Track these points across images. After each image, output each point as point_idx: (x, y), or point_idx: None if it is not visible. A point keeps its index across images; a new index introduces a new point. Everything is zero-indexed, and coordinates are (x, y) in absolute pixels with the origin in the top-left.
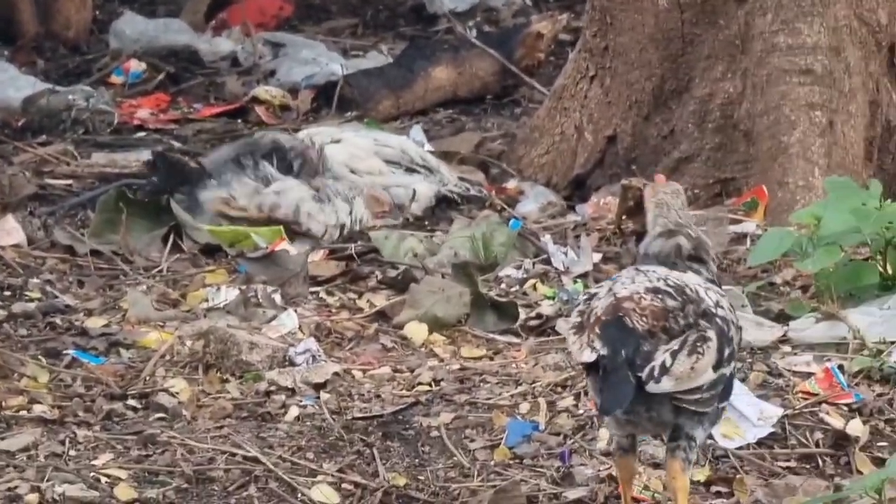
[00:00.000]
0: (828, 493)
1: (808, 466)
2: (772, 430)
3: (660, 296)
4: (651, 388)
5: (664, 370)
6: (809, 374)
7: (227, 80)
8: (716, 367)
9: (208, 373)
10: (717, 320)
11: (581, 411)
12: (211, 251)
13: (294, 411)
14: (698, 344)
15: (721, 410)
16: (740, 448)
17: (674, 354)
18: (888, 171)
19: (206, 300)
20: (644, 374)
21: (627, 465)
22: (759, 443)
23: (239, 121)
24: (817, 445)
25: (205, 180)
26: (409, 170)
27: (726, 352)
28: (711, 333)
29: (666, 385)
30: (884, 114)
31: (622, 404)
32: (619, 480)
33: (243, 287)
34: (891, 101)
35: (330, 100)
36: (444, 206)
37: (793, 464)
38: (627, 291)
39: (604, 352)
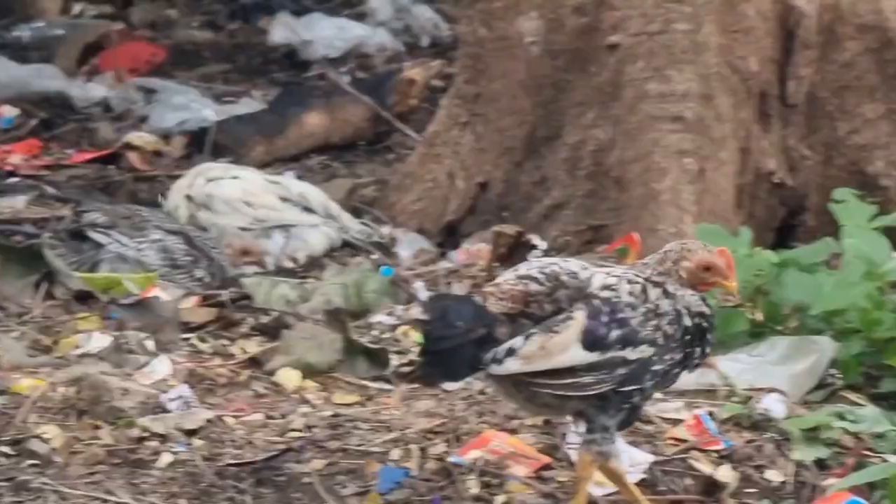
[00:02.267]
0: None
1: None
2: (642, 476)
3: (525, 281)
4: (494, 369)
5: (511, 352)
6: (679, 421)
7: (100, 126)
8: (594, 348)
9: (81, 419)
10: (597, 302)
11: (452, 458)
12: (83, 298)
13: (167, 458)
14: (555, 325)
15: (637, 404)
16: (610, 494)
17: (528, 336)
18: (758, 218)
19: (79, 346)
20: (487, 357)
21: (605, 465)
22: None
23: (112, 167)
24: (687, 492)
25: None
26: (307, 209)
27: (614, 333)
28: (579, 314)
29: (512, 366)
30: (754, 161)
31: (438, 378)
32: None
33: (116, 333)
34: (761, 148)
35: (203, 146)
36: (334, 253)
37: None
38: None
39: (426, 317)
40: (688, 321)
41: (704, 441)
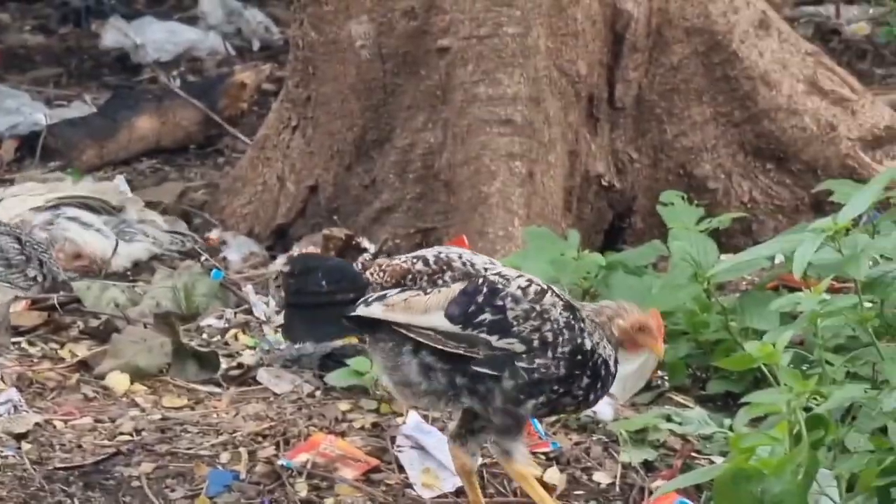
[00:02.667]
0: None
1: None
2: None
3: (414, 259)
4: (360, 310)
5: (380, 298)
6: None
7: None
8: (456, 321)
9: None
10: (480, 281)
11: (281, 461)
12: None
13: None
14: (430, 289)
15: (511, 408)
16: (439, 497)
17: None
18: (586, 220)
19: None
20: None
21: (459, 457)
22: (458, 492)
23: None
24: (515, 494)
25: None
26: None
27: (483, 316)
28: (455, 286)
29: (375, 310)
30: (583, 164)
31: (300, 336)
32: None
33: None
34: (590, 150)
35: (34, 150)
36: (150, 261)
37: None
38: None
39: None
40: (587, 346)
41: (533, 443)
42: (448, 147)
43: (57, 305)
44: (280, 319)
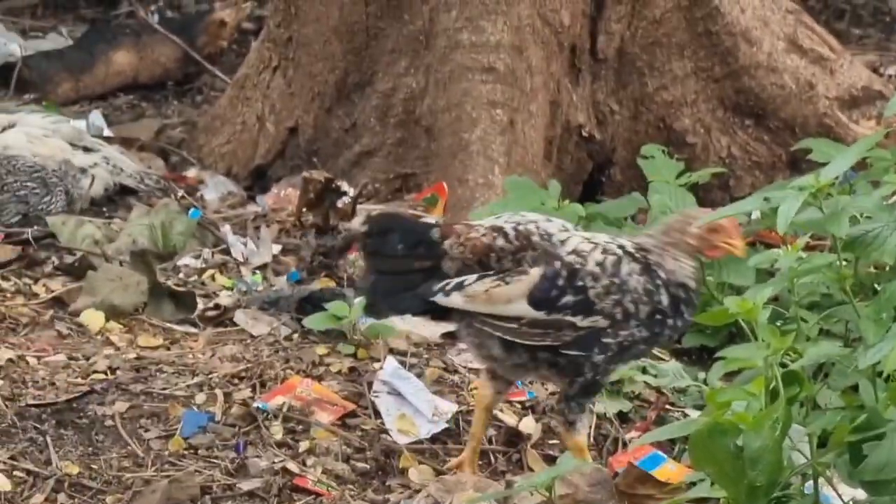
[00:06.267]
0: (499, 489)
1: (480, 462)
2: (446, 425)
3: (495, 234)
4: (439, 298)
5: (459, 287)
6: None
7: None
8: (541, 307)
9: None
10: (557, 264)
11: (256, 404)
12: None
13: None
14: (509, 275)
15: (590, 375)
16: (414, 443)
17: (481, 277)
18: (566, 171)
19: None
20: (437, 287)
21: (484, 387)
22: (433, 438)
23: None
24: (490, 442)
25: None
26: (87, 150)
27: (566, 298)
28: (534, 271)
29: (456, 300)
30: (564, 114)
31: (383, 308)
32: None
33: None
34: (571, 101)
35: (8, 81)
36: (121, 193)
37: None
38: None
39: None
40: (664, 298)
41: (509, 392)
42: (430, 93)
43: (31, 240)
44: (257, 261)
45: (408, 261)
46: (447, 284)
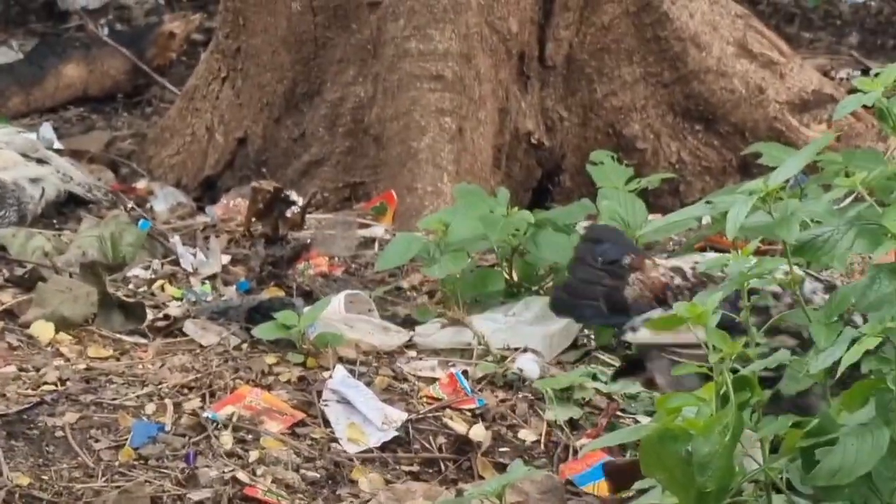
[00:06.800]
0: (450, 497)
1: (430, 471)
2: (395, 434)
3: (672, 274)
4: (628, 336)
5: (644, 321)
6: (434, 379)
7: None
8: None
9: None
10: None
11: (206, 414)
12: None
13: None
14: None
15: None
16: (364, 451)
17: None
18: (515, 178)
19: None
20: (626, 325)
21: None
22: (383, 447)
23: None
24: (440, 450)
25: None
26: (40, 161)
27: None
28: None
29: (644, 335)
30: (513, 121)
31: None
32: None
33: None
34: (520, 108)
35: None
36: (71, 205)
37: (415, 468)
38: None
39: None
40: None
41: (458, 400)
42: (378, 102)
43: None
44: (207, 271)
45: (600, 273)
46: (633, 323)
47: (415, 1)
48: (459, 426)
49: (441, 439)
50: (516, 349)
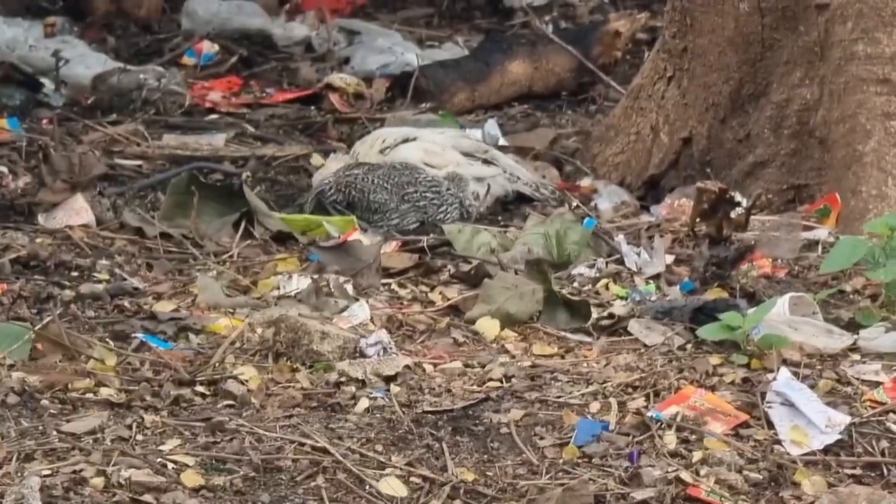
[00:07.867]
0: (893, 501)
1: (872, 475)
2: (838, 437)
3: None
4: None
5: None
6: (878, 384)
7: (301, 66)
8: None
9: (278, 361)
10: None
11: (650, 413)
12: (282, 239)
13: (364, 403)
14: None
15: None
16: (807, 454)
17: None
18: None
19: (278, 288)
20: None
21: None
22: (826, 450)
23: (312, 108)
24: (883, 454)
25: None
26: (486, 162)
27: None
28: None
29: None
30: None
31: None
32: None
33: (315, 276)
34: None
35: (405, 90)
36: (516, 202)
37: (858, 472)
38: None
39: None
40: None
41: None
42: (824, 104)
43: (427, 248)
44: (651, 271)
45: None
46: None
47: (863, 4)
48: None
49: (884, 443)
50: None
